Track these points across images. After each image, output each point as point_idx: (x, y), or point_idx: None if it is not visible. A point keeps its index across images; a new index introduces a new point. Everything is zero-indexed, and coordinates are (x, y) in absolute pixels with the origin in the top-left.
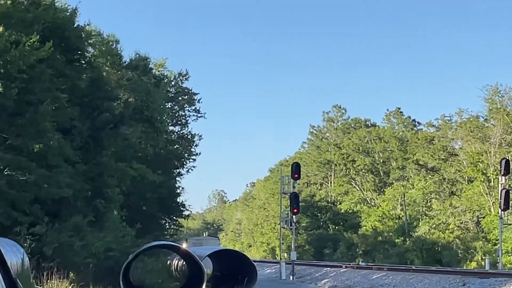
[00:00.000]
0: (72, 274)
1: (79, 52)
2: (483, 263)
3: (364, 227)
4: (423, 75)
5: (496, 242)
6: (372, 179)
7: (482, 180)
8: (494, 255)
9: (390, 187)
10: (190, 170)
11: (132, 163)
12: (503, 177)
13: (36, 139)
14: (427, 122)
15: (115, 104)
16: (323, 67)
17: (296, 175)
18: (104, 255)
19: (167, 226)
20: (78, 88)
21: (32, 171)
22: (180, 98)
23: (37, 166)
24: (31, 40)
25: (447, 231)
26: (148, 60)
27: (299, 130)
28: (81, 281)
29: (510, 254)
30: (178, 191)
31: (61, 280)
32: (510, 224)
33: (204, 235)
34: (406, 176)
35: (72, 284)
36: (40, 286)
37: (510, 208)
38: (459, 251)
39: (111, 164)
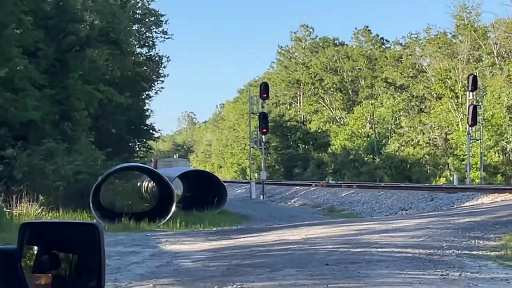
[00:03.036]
0: (41, 197)
1: None
2: (451, 178)
3: (334, 145)
4: None
5: (464, 157)
6: (341, 98)
7: (450, 96)
8: (462, 170)
9: (359, 106)
10: (158, 92)
11: (99, 86)
12: (471, 93)
13: (2, 64)
14: (394, 40)
15: (80, 26)
16: None
17: (265, 95)
18: (73, 178)
19: (137, 149)
20: (42, 11)
21: None
22: (147, 20)
23: (3, 90)
24: None
25: (416, 148)
26: None
27: (268, 51)
28: (51, 204)
29: (478, 170)
30: (147, 113)
31: (30, 203)
32: (477, 140)
33: (175, 157)
34: (374, 94)
35: (41, 207)
36: (10, 209)
37: (477, 123)
38: (428, 167)
39: (78, 87)
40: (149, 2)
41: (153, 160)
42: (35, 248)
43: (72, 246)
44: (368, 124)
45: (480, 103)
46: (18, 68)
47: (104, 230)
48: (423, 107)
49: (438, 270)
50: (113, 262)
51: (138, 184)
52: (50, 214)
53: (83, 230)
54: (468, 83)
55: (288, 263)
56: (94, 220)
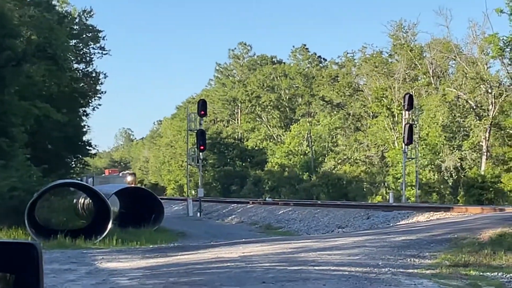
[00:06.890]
0: None
1: None
2: (387, 197)
3: (270, 163)
4: (330, 11)
5: (400, 176)
6: (278, 116)
7: (387, 115)
8: (398, 188)
9: (296, 124)
10: (95, 108)
11: (35, 102)
12: (407, 112)
13: None
14: (330, 60)
15: (17, 41)
16: (229, 2)
17: (202, 112)
18: (8, 195)
19: (74, 165)
20: None
21: None
22: (84, 36)
23: None
24: None
25: (352, 166)
26: None
27: (206, 68)
28: None
29: (413, 188)
30: (84, 129)
31: None
32: (413, 158)
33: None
34: (311, 113)
35: None
36: None
37: (413, 142)
38: (365, 185)
39: (14, 102)
40: (87, 18)
41: (110, 171)
42: None
43: (9, 266)
44: (305, 142)
45: (415, 122)
46: None
47: None
48: (360, 125)
49: None
50: (48, 280)
51: (74, 201)
52: None
53: (21, 249)
54: (404, 102)
55: (226, 281)
56: (29, 238)
